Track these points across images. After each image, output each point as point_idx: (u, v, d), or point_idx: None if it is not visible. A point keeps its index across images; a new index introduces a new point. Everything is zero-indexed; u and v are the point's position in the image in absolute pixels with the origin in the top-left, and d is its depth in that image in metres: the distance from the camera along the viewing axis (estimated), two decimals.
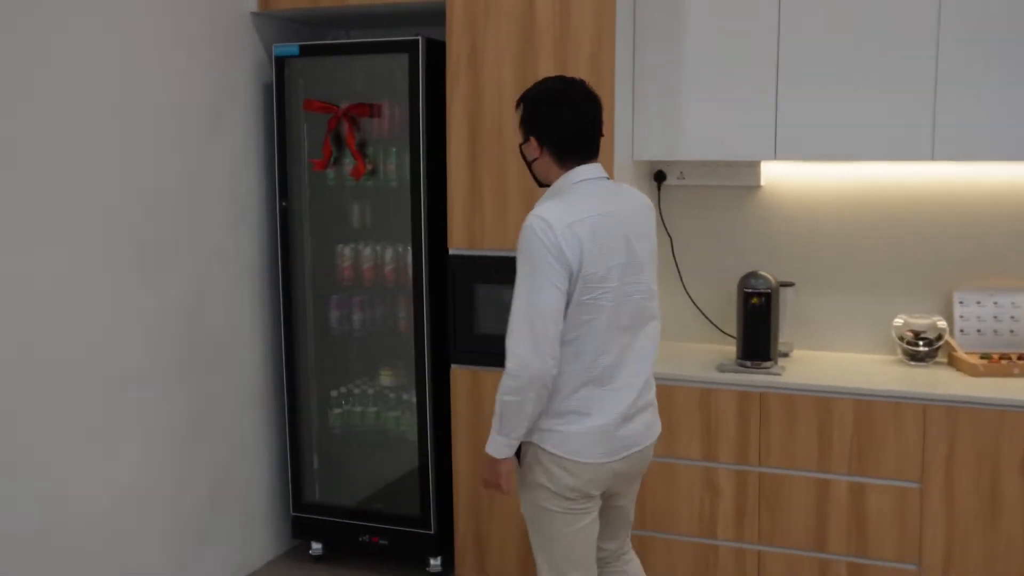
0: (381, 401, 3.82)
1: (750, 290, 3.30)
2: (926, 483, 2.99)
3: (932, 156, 3.09)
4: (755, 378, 3.16)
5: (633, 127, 3.35)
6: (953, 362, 3.34)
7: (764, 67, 3.22)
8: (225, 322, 3.55)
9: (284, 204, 3.69)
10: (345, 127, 3.55)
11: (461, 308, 3.43)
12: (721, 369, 3.26)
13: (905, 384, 3.08)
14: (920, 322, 3.40)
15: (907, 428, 2.99)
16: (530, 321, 2.23)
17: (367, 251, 3.72)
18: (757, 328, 3.29)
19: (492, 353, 3.37)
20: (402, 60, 3.42)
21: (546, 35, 3.20)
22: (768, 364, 3.25)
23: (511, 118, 3.21)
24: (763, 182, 3.57)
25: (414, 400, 3.70)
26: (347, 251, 3.74)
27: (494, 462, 2.35)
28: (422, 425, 3.58)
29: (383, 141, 3.62)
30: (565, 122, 2.35)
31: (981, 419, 2.92)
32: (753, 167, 3.54)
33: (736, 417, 3.16)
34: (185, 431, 3.36)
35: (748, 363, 3.26)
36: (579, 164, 2.38)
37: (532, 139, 2.39)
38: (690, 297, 3.68)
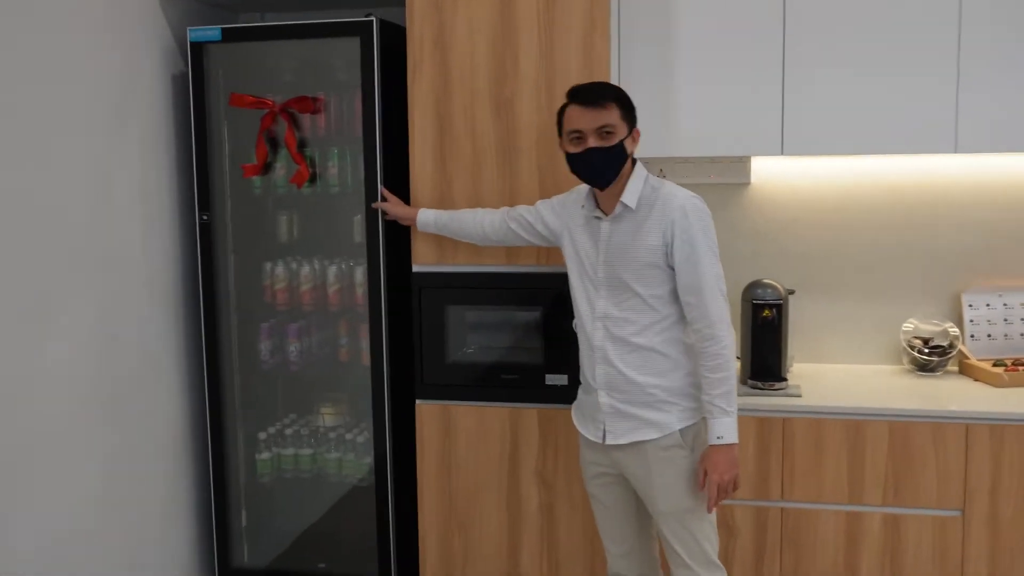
0: (319, 442, 3.27)
1: (759, 301, 2.95)
2: (969, 511, 2.70)
3: (955, 148, 2.81)
4: (774, 401, 2.80)
5: None
6: (966, 371, 3.08)
7: (768, 53, 2.88)
8: (139, 359, 2.93)
9: (205, 217, 3.09)
10: (284, 126, 2.99)
11: (429, 334, 2.93)
12: None
13: (932, 399, 2.79)
14: (931, 328, 3.14)
15: (948, 451, 2.70)
16: (724, 295, 2.34)
17: (305, 270, 3.17)
18: (767, 343, 2.94)
19: (466, 386, 2.92)
20: (351, 45, 2.89)
21: (527, 14, 2.75)
22: (783, 384, 2.90)
23: (487, 113, 2.77)
24: (753, 179, 3.23)
25: (360, 440, 3.18)
26: (280, 271, 3.18)
27: (732, 451, 2.30)
28: (381, 470, 3.06)
29: (324, 141, 3.08)
30: None
31: None
32: (743, 163, 3.19)
33: (755, 446, 2.80)
34: (97, 490, 2.73)
35: (760, 383, 2.90)
36: None
37: (637, 131, 2.41)
38: None
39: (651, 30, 2.93)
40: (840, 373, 3.14)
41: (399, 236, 2.97)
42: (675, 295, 2.36)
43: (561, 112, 2.39)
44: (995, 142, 2.81)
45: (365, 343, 3.10)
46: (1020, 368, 2.97)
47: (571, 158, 2.37)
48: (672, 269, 2.34)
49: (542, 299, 2.83)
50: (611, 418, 2.41)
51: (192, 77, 3.02)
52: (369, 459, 3.13)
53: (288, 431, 3.29)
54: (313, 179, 3.05)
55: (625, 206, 2.36)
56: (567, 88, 2.38)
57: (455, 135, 2.83)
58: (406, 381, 3.08)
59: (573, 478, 2.86)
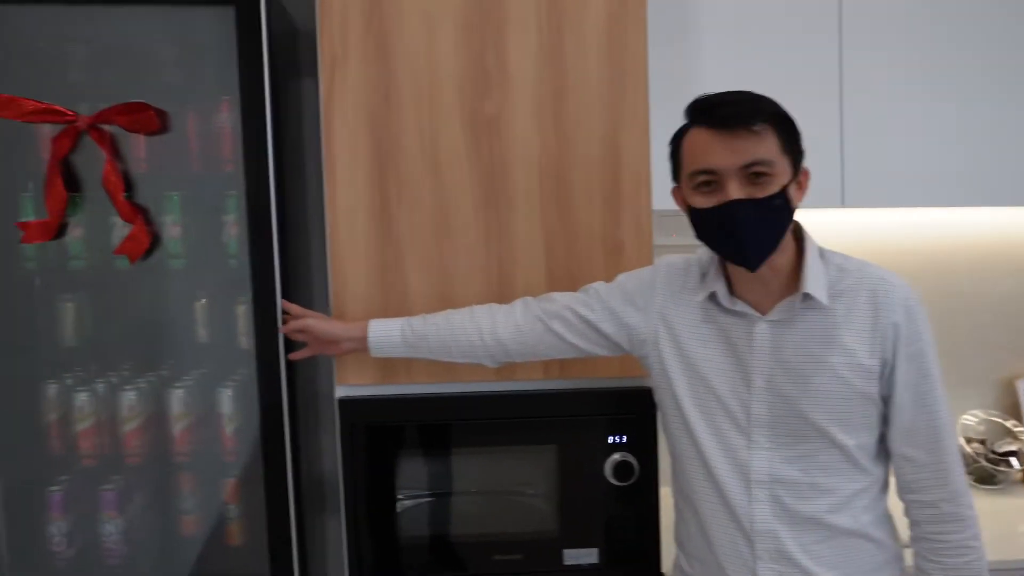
0: None
1: None
2: None
3: None
4: None
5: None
6: None
7: (824, 86, 2.05)
8: None
9: None
10: (104, 155, 1.75)
11: (368, 498, 1.79)
12: None
13: None
14: (994, 424, 2.44)
15: None
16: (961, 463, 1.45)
17: (131, 397, 1.91)
18: None
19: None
20: (220, 22, 1.72)
21: None
22: None
23: (458, 138, 1.73)
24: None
25: None
26: (83, 400, 1.91)
27: None
28: None
29: (156, 182, 1.86)
30: None
31: None
32: None
33: None
34: None
35: None
36: None
37: (806, 171, 1.45)
38: None
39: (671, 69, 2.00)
40: None
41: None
42: (883, 449, 1.45)
43: (677, 140, 1.41)
44: None
45: (233, 511, 1.92)
46: None
47: (698, 217, 1.39)
48: (884, 403, 1.41)
49: (556, 432, 1.79)
50: None
51: None
52: None
53: None
54: (156, 244, 1.82)
55: (809, 299, 1.41)
56: (585, 100, 1.53)
57: (404, 175, 1.74)
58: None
59: None
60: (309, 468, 2.11)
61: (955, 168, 2.08)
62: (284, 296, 1.79)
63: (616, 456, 1.76)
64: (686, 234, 1.51)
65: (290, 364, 1.82)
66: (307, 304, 1.96)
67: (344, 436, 1.77)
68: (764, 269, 1.40)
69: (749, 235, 1.37)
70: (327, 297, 1.77)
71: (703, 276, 1.50)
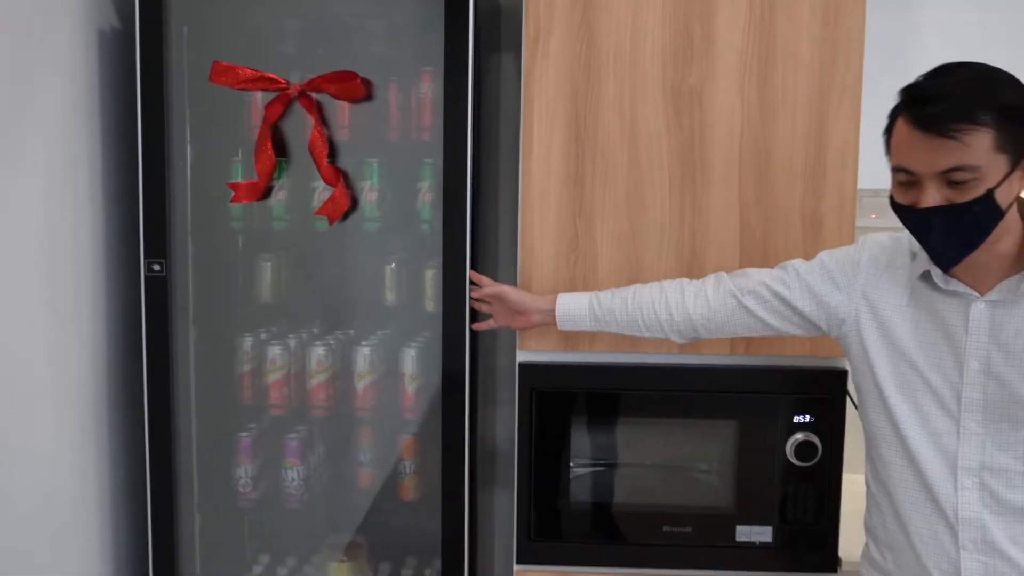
0: None
1: None
2: None
3: None
4: None
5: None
6: None
7: None
8: (45, 509, 1.70)
9: (158, 268, 1.88)
10: (312, 122, 1.84)
11: (543, 464, 1.84)
12: None
13: None
14: None
15: None
16: None
17: (319, 352, 2.00)
18: None
19: (601, 545, 1.86)
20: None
21: None
22: None
23: (659, 111, 1.74)
24: None
25: None
26: (275, 353, 2.01)
27: None
28: None
29: (356, 149, 1.94)
30: None
31: None
32: None
33: None
34: None
35: None
36: None
37: None
38: None
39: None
40: None
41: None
42: None
43: (892, 120, 1.39)
44: None
45: (409, 466, 2.00)
46: None
47: (896, 210, 1.38)
48: None
49: (738, 409, 1.80)
50: None
51: (140, 38, 1.82)
52: None
53: None
54: (353, 208, 1.91)
55: None
56: (793, 70, 1.56)
57: (601, 148, 1.77)
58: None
59: None
60: (483, 437, 2.17)
61: None
62: (472, 266, 1.84)
63: (799, 436, 1.76)
64: (887, 216, 1.50)
65: (473, 334, 1.88)
66: (492, 275, 2.02)
67: (522, 400, 1.82)
68: (981, 254, 1.37)
69: (940, 242, 1.34)
70: (516, 269, 1.82)
71: (914, 255, 1.47)
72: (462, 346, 1.86)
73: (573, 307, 1.72)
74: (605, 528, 1.86)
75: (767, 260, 1.72)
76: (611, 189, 1.77)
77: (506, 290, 1.78)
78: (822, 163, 1.73)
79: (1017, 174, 1.33)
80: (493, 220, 2.22)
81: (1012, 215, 1.37)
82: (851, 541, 1.76)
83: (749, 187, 1.75)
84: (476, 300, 1.84)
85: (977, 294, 1.41)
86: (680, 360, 1.79)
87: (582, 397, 1.83)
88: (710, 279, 1.65)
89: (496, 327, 1.83)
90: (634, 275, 1.78)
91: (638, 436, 1.86)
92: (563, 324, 1.73)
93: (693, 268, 1.76)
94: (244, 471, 2.04)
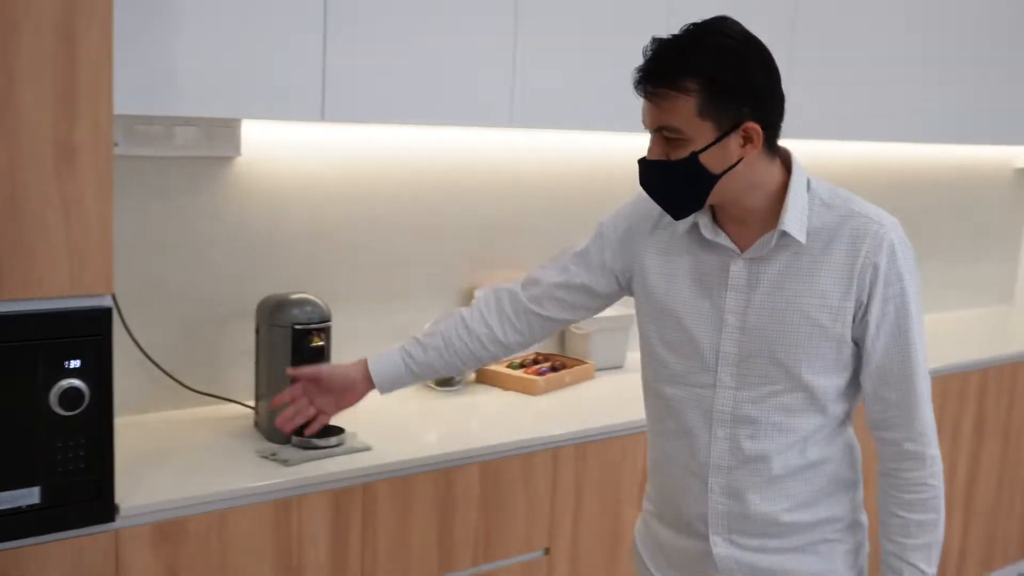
0: None
1: (302, 326, 2.11)
2: (553, 548, 2.34)
3: (511, 121, 2.37)
4: (340, 463, 2.02)
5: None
6: (487, 379, 2.70)
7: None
8: None
9: None
10: None
11: None
12: (268, 455, 2.03)
13: (518, 428, 2.33)
14: None
15: (537, 485, 2.28)
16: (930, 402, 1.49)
17: None
18: None
19: None
20: None
21: None
22: (341, 434, 2.13)
23: None
24: (244, 151, 2.33)
25: None
26: None
27: None
28: None
29: None
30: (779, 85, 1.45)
31: (606, 453, 2.38)
32: (231, 128, 2.28)
33: (326, 530, 1.99)
34: None
35: (314, 439, 2.08)
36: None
37: (751, 126, 1.38)
38: (132, 338, 2.19)
39: None
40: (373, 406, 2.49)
41: None
42: (852, 386, 1.50)
43: None
44: (548, 118, 2.44)
45: None
46: (547, 371, 2.71)
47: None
48: (856, 345, 1.45)
49: None
50: None
51: None
52: None
53: None
54: None
55: (787, 237, 1.41)
56: None
57: None
58: None
59: None
60: None
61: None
62: None
63: (64, 383, 1.60)
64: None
65: None
66: None
67: None
68: (737, 210, 1.42)
69: (657, 195, 1.44)
70: None
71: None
72: None
73: (390, 371, 1.72)
74: None
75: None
76: None
77: (322, 369, 1.74)
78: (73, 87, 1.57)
79: (733, 139, 1.35)
80: None
81: (757, 171, 1.40)
82: (127, 486, 1.69)
83: None
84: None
85: (737, 250, 1.44)
86: None
87: None
88: (504, 300, 1.69)
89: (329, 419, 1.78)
90: None
91: None
92: (384, 390, 1.74)
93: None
94: None
